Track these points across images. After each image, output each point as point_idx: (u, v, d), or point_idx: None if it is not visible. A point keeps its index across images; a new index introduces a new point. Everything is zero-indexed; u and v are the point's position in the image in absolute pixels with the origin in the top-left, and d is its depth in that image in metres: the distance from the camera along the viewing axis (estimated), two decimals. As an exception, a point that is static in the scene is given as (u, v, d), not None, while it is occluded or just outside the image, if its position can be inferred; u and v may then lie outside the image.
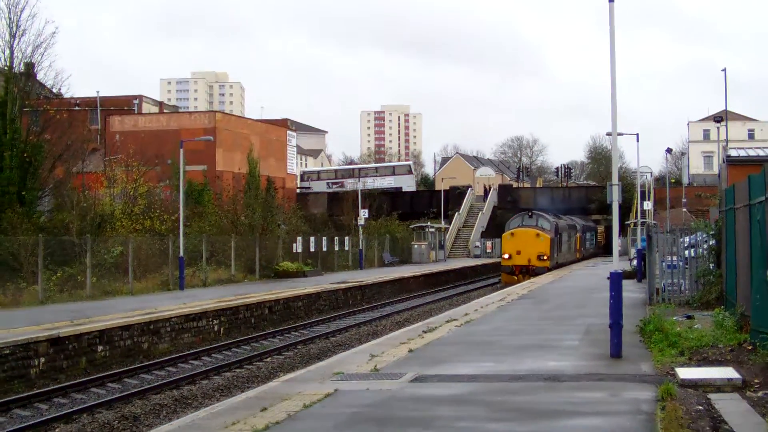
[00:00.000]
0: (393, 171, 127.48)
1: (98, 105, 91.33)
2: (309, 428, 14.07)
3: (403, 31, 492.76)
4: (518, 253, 65.69)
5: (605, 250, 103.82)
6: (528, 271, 64.64)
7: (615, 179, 22.84)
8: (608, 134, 24.73)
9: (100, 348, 29.92)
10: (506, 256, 66.65)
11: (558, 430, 13.64)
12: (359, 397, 16.64)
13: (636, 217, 74.21)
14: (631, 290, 41.11)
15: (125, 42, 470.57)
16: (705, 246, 34.46)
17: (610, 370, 19.07)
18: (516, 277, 64.09)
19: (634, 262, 56.37)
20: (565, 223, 79.02)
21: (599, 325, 24.85)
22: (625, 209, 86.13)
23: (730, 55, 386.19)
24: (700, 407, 15.01)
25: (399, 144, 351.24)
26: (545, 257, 65.91)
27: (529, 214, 70.43)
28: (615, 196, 22.56)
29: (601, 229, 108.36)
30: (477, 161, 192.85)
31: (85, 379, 26.57)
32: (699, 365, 19.03)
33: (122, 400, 24.16)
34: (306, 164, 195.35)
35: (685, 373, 17.76)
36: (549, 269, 65.38)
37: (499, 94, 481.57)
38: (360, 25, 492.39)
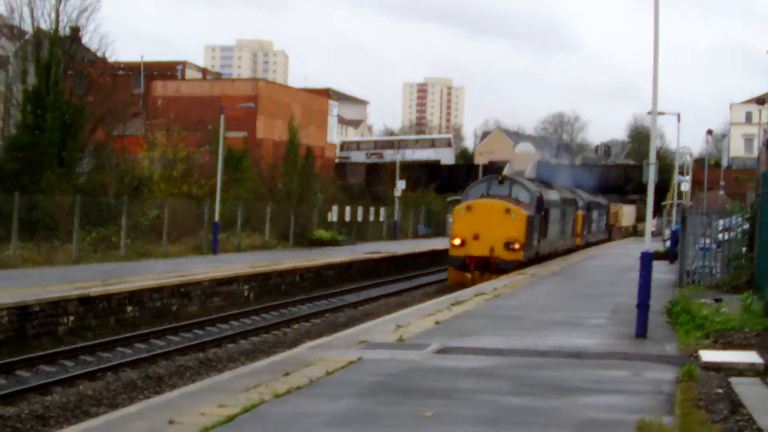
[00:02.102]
0: (432, 143, 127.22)
1: (142, 70, 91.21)
2: (329, 394, 14.12)
3: (447, 4, 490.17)
4: (475, 237, 44.02)
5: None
6: (489, 266, 43.72)
7: (652, 158, 22.63)
8: (649, 113, 24.58)
9: (129, 308, 30.14)
10: (457, 242, 44.71)
11: (578, 407, 13.66)
12: (383, 366, 16.73)
13: (673, 198, 72.91)
14: (663, 271, 41.00)
15: (170, 9, 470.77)
16: (739, 230, 34.28)
17: (635, 350, 19.10)
18: (469, 275, 43.83)
19: (668, 243, 55.92)
20: (557, 196, 55.63)
21: (628, 304, 24.78)
22: (663, 190, 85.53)
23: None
24: (720, 390, 15.01)
25: (440, 117, 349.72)
26: (516, 245, 43.85)
27: (499, 179, 48.48)
28: (651, 176, 22.42)
29: (615, 209, 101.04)
30: (518, 137, 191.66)
31: (113, 338, 26.78)
32: (723, 348, 19.02)
33: (147, 360, 24.41)
34: (347, 134, 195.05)
35: (709, 355, 17.76)
36: (521, 263, 44.30)
37: (541, 70, 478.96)
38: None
